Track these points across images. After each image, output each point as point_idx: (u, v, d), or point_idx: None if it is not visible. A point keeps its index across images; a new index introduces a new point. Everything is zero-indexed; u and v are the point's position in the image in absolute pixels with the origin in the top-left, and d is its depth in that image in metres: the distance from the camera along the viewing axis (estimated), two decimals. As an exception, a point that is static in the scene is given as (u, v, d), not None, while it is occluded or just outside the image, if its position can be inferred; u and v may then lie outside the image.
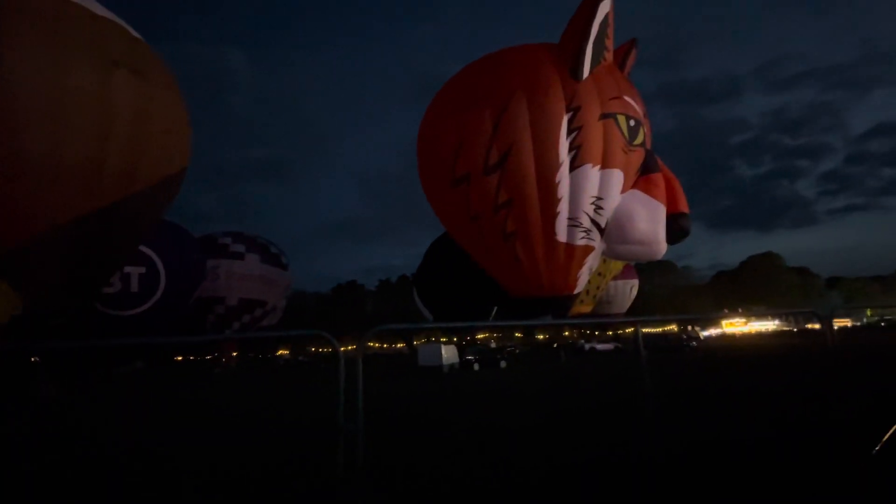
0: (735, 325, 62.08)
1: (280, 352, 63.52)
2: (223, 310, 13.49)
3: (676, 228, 6.70)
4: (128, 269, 9.04)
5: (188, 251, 10.81)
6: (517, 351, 41.05)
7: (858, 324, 51.61)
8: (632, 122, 6.48)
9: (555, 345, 41.22)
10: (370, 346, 73.94)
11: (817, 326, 4.65)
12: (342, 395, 2.96)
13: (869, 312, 53.97)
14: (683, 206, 6.79)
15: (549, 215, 6.32)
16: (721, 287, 59.34)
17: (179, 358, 50.17)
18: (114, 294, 9.11)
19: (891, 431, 1.97)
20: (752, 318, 61.16)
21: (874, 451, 1.93)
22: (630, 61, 7.56)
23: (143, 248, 9.31)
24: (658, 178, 6.79)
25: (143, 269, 9.59)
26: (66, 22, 4.18)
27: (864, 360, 15.66)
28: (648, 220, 6.56)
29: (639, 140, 6.66)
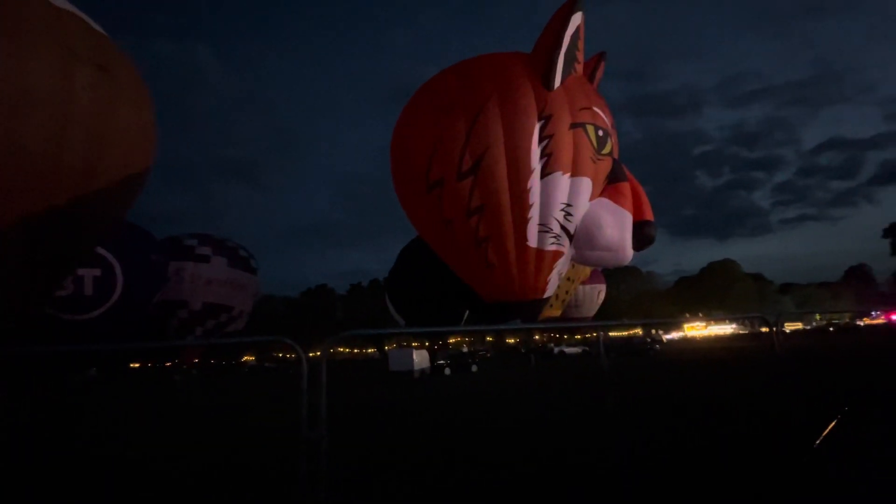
0: (696, 329, 64.84)
1: (245, 358, 61.43)
2: (186, 314, 12.93)
3: (642, 236, 6.96)
4: (81, 271, 8.55)
5: (148, 253, 10.32)
6: (488, 355, 41.29)
7: (808, 327, 54.89)
8: (600, 132, 6.70)
9: (523, 350, 41.73)
10: (340, 352, 72.73)
11: (768, 330, 4.93)
12: (305, 402, 2.89)
13: (818, 316, 57.50)
14: (649, 215, 7.07)
15: (521, 221, 6.44)
16: (683, 292, 61.92)
17: (136, 365, 47.72)
18: (66, 297, 8.60)
19: (819, 440, 2.12)
20: (711, 323, 64.01)
21: (815, 445, 2.07)
22: (599, 73, 7.83)
23: (98, 250, 8.84)
24: (625, 186, 7.04)
25: (97, 272, 9.10)
26: (26, 14, 3.99)
27: (807, 361, 16.68)
28: (615, 227, 6.78)
29: (607, 150, 6.89)
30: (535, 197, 6.28)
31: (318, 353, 3.18)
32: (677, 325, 65.64)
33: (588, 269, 17.13)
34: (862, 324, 45.52)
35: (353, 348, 70.30)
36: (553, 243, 6.74)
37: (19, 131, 3.90)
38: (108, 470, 6.81)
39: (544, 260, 6.94)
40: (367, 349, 69.20)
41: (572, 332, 38.87)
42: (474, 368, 27.31)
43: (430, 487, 4.77)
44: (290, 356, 63.67)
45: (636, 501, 3.85)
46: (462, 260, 7.58)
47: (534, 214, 6.41)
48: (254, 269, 15.20)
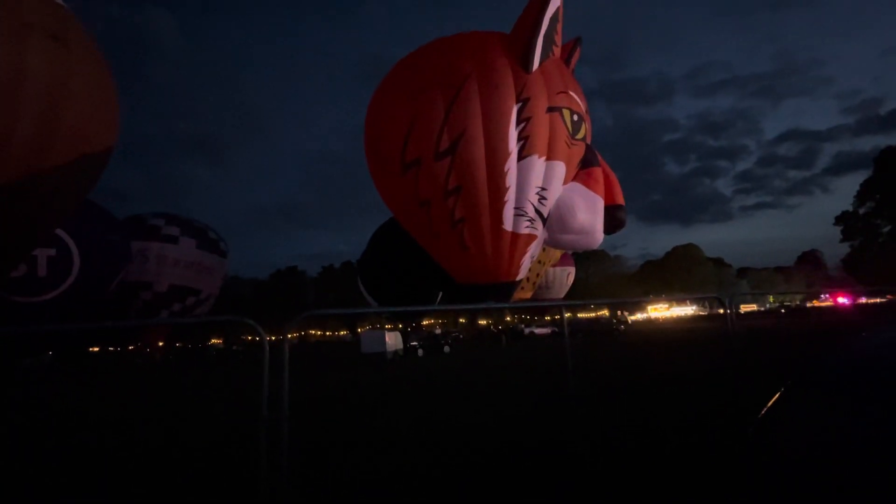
0: (659, 311, 67.69)
1: (213, 341, 59.96)
2: (150, 296, 12.42)
3: (614, 220, 7.13)
4: (34, 251, 8.05)
5: (107, 232, 9.79)
6: (461, 336, 41.87)
7: (762, 309, 58.24)
8: (575, 117, 6.76)
9: (495, 330, 42.51)
10: (312, 335, 72.00)
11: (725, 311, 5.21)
12: (266, 383, 2.88)
13: (771, 299, 61.01)
14: (620, 199, 7.23)
15: (497, 203, 6.46)
16: (648, 275, 64.30)
17: (96, 349, 45.79)
18: (18, 278, 8.09)
19: (763, 411, 2.28)
20: (673, 304, 66.88)
21: (749, 432, 2.23)
22: (574, 59, 7.86)
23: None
24: (597, 171, 7.17)
25: (52, 252, 8.58)
26: None
27: (758, 339, 17.81)
28: (587, 212, 6.92)
29: (581, 134, 6.97)
30: (511, 180, 6.31)
31: (293, 335, 3.15)
32: (642, 307, 68.28)
33: (558, 253, 17.49)
34: (811, 306, 48.64)
35: (325, 331, 69.76)
36: (527, 227, 6.82)
37: None
38: (64, 452, 6.60)
39: (518, 243, 7.03)
40: (339, 331, 68.80)
41: (543, 313, 39.82)
42: (447, 349, 27.66)
43: (396, 469, 4.86)
44: (258, 339, 62.44)
45: (597, 475, 4.06)
46: (437, 241, 7.58)
47: (510, 197, 6.45)
48: (224, 251, 14.69)
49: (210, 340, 59.54)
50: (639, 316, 67.76)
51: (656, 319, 64.60)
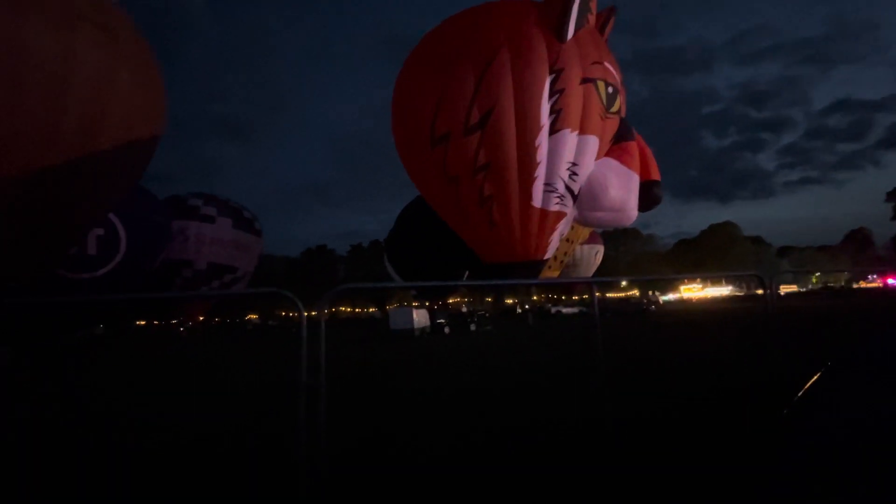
0: (692, 291, 65.70)
1: (249, 316, 62.66)
2: (191, 273, 13.03)
3: (649, 196, 6.90)
4: (84, 230, 8.54)
5: (151, 212, 10.26)
6: (487, 315, 42.08)
7: (804, 290, 55.64)
8: (610, 89, 6.49)
9: (521, 309, 42.44)
10: (343, 311, 74.02)
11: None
12: (304, 352, 3.01)
13: (814, 279, 58.12)
14: (656, 175, 6.97)
15: (527, 180, 6.34)
16: (682, 254, 62.23)
17: (143, 322, 48.70)
18: (70, 256, 8.62)
19: (800, 393, 2.19)
20: (707, 284, 64.71)
21: (784, 412, 2.16)
22: (608, 28, 7.48)
23: (100, 209, 8.73)
24: (632, 146, 6.90)
25: (101, 231, 9.07)
26: None
27: (799, 321, 17.06)
28: (620, 188, 6.71)
29: (615, 108, 6.70)
30: (542, 155, 6.15)
31: (312, 312, 3.26)
32: (673, 287, 66.43)
33: (587, 231, 17.11)
34: (858, 287, 46.07)
35: (355, 307, 71.50)
36: (557, 204, 6.69)
37: (19, 90, 3.82)
38: (113, 420, 7.14)
39: (547, 220, 6.91)
40: (368, 308, 70.38)
41: (570, 292, 39.43)
42: (473, 327, 27.92)
43: (428, 435, 5.03)
44: (293, 314, 64.93)
45: (625, 455, 4.06)
46: (465, 219, 7.55)
47: (540, 173, 6.30)
48: (258, 230, 15.17)
49: (247, 316, 62.25)
50: (670, 296, 66.05)
51: (689, 300, 62.82)
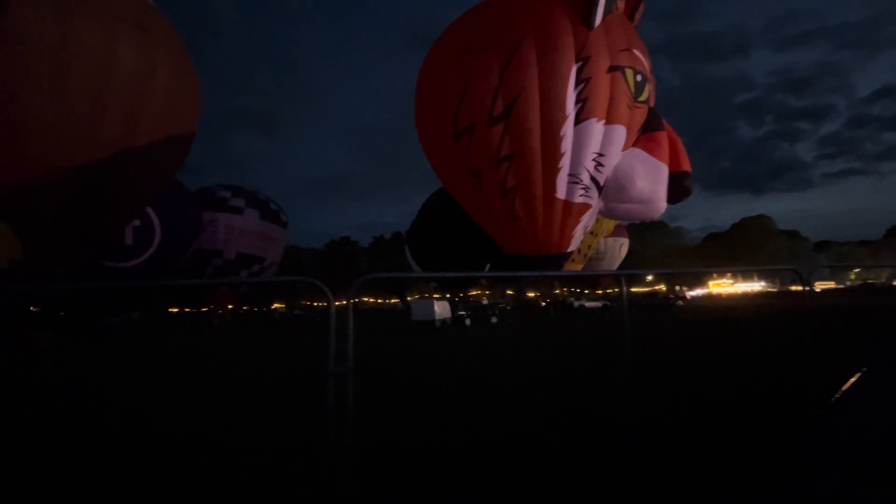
0: (721, 286, 63.68)
1: (275, 305, 64.33)
2: (221, 263, 13.48)
3: (679, 188, 6.71)
4: (121, 221, 8.94)
5: (183, 204, 10.64)
6: (508, 308, 41.94)
7: (842, 286, 53.11)
8: (639, 77, 6.30)
9: (544, 303, 42.10)
10: (365, 302, 75.13)
11: (800, 288, 4.77)
12: (333, 340, 3.08)
13: (853, 275, 55.43)
14: (686, 165, 6.76)
15: (551, 171, 6.25)
16: (711, 248, 60.31)
17: (175, 310, 50.63)
18: (109, 246, 9.06)
19: (838, 393, 2.12)
20: (738, 279, 62.60)
21: (832, 400, 2.09)
22: (638, 14, 7.25)
23: (135, 200, 9.13)
24: (661, 136, 6.70)
25: (137, 222, 9.47)
26: None
27: (836, 318, 16.33)
28: (648, 179, 6.54)
29: (644, 96, 6.51)
30: (567, 145, 6.05)
31: (344, 303, 3.33)
32: (701, 282, 64.56)
33: (612, 223, 16.76)
34: (900, 284, 43.70)
35: (377, 298, 72.44)
36: (581, 195, 6.58)
37: (64, 87, 4.03)
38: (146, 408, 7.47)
39: (571, 212, 6.81)
40: (390, 299, 71.17)
41: (593, 286, 38.80)
42: (494, 320, 27.88)
43: (451, 423, 5.07)
44: (317, 304, 66.38)
45: (650, 453, 4.00)
46: (487, 211, 7.51)
47: (564, 164, 6.20)
48: (284, 222, 15.53)
49: (273, 304, 63.95)
50: (698, 291, 64.21)
51: (718, 295, 60.93)
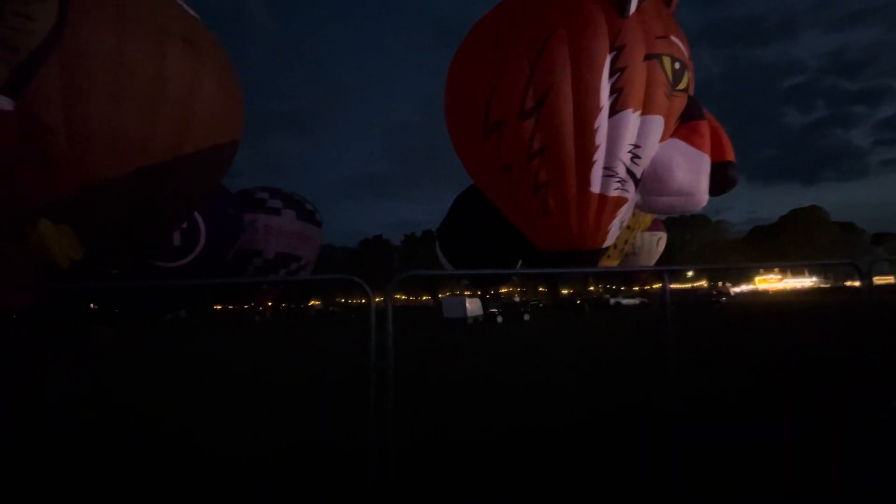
0: (769, 282, 60.26)
1: (311, 302, 66.31)
2: (261, 262, 14.06)
3: (724, 179, 6.40)
4: (169, 223, 9.44)
5: (226, 206, 11.14)
6: (541, 305, 41.36)
7: (904, 281, 49.13)
8: (677, 65, 6.04)
9: (578, 301, 41.19)
10: (397, 299, 76.21)
11: (857, 283, 4.45)
12: (374, 336, 3.16)
13: (917, 269, 51.17)
14: (730, 155, 6.44)
15: (585, 164, 6.10)
16: (757, 242, 57.22)
17: (219, 307, 53.08)
18: (159, 247, 9.58)
19: None
20: (787, 274, 59.08)
21: (882, 417, 1.94)
22: (675, 0, 6.96)
23: (182, 204, 9.58)
24: (702, 125, 6.40)
25: (184, 225, 9.98)
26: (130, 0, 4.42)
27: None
28: (688, 171, 6.26)
29: (682, 85, 6.24)
30: (601, 138, 5.89)
31: (381, 299, 3.42)
32: (747, 278, 61.37)
33: (649, 217, 16.20)
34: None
35: (408, 295, 73.29)
36: (617, 189, 6.38)
37: (119, 99, 4.35)
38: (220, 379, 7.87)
39: (606, 207, 6.63)
40: (421, 297, 71.83)
41: (630, 282, 37.71)
42: (527, 317, 27.58)
43: (487, 414, 5.09)
44: (352, 301, 67.85)
45: (694, 453, 3.87)
46: (518, 207, 7.43)
47: (599, 157, 6.04)
48: (319, 222, 16.00)
49: (309, 302, 65.96)
50: (743, 287, 61.04)
51: (765, 292, 57.71)
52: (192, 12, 5.32)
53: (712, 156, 6.43)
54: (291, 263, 14.85)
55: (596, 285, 55.51)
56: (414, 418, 5.01)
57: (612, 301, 36.68)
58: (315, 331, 25.83)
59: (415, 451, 3.97)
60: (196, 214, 10.25)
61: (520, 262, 10.43)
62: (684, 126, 6.57)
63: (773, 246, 54.13)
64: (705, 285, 52.02)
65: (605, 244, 7.82)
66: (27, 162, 4.15)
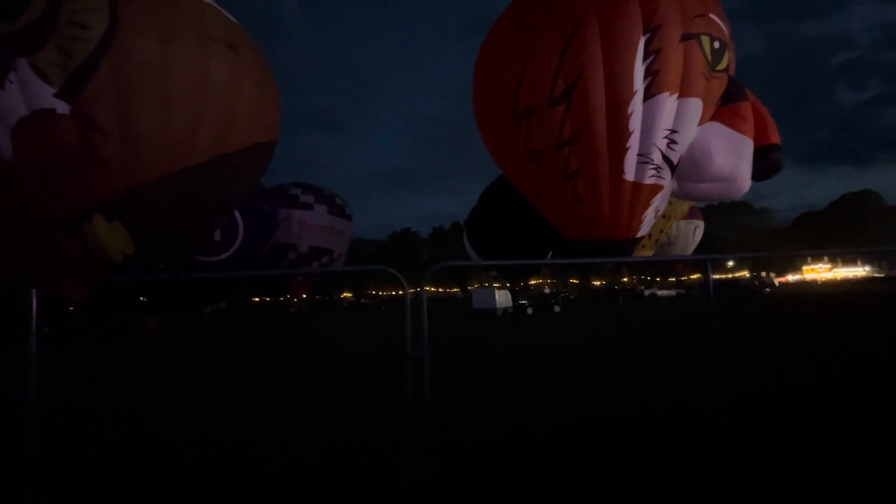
0: (817, 272, 56.90)
1: (344, 294, 67.90)
2: (295, 256, 14.53)
3: (768, 163, 6.07)
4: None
5: (261, 202, 11.56)
6: (572, 297, 40.75)
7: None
8: (716, 44, 5.76)
9: (616, 291, 40.14)
10: (426, 290, 76.92)
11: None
12: (409, 326, 3.22)
13: None
14: (775, 138, 6.09)
15: (618, 151, 5.93)
16: (804, 230, 54.11)
17: (257, 299, 55.19)
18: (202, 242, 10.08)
19: None
20: (838, 264, 55.63)
21: None
22: (715, -28, 6.61)
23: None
24: (743, 107, 6.08)
25: (224, 221, 10.44)
26: (176, 7, 4.76)
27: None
28: (728, 155, 5.98)
29: (723, 65, 5.95)
30: (635, 123, 5.70)
31: (413, 290, 3.47)
32: (793, 267, 58.18)
33: (686, 205, 15.60)
34: None
35: (437, 287, 73.80)
36: (652, 176, 6.17)
37: (167, 102, 4.61)
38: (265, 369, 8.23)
39: (641, 195, 6.43)
40: (448, 288, 72.16)
41: (665, 273, 36.55)
42: (557, 309, 27.23)
43: (523, 403, 5.10)
44: (384, 293, 68.99)
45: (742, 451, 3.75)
46: (548, 196, 7.33)
47: (633, 143, 5.85)
48: (349, 215, 16.36)
49: (342, 294, 67.57)
50: (789, 278, 57.93)
51: (813, 282, 54.57)
52: (232, 19, 5.56)
53: (755, 139, 6.11)
54: (323, 256, 15.26)
55: (630, 276, 54.06)
56: (448, 408, 5.08)
57: (647, 292, 35.68)
58: (348, 320, 26.45)
59: (450, 440, 4.03)
60: (235, 211, 10.69)
61: (550, 253, 10.30)
62: (725, 108, 6.27)
63: (823, 234, 50.90)
64: (746, 275, 49.68)
65: (640, 234, 7.60)
66: (83, 163, 4.45)
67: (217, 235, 10.69)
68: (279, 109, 6.11)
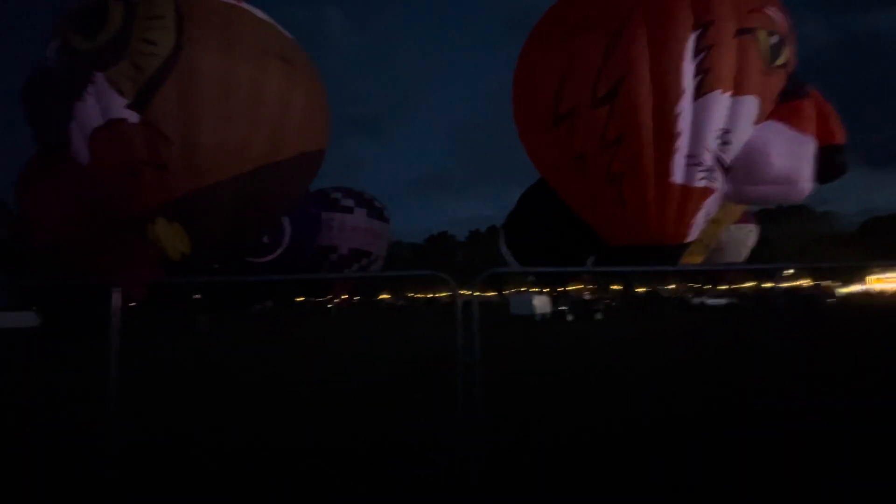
0: (885, 282, 52.03)
1: (381, 296, 69.18)
2: (336, 258, 15.02)
3: (831, 165, 5.67)
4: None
5: (307, 206, 12.05)
6: (614, 304, 39.49)
7: None
8: (774, 39, 5.45)
9: (667, 298, 38.42)
10: (463, 295, 76.93)
11: None
12: (460, 331, 3.24)
13: None
14: (839, 138, 5.67)
15: (665, 153, 5.72)
16: (872, 237, 49.76)
17: (301, 299, 57.27)
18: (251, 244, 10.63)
19: None
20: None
21: None
22: (773, -38, 6.25)
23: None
24: (804, 105, 5.71)
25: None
26: (236, 24, 5.07)
27: None
28: (787, 156, 5.62)
29: (781, 60, 5.62)
30: (684, 124, 5.48)
31: (462, 293, 3.50)
32: (858, 277, 53.56)
33: (739, 209, 14.74)
34: None
35: (473, 291, 73.72)
36: (703, 179, 5.91)
37: (227, 112, 4.94)
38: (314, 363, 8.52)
39: (690, 198, 6.16)
40: (486, 293, 71.80)
41: (717, 281, 34.70)
42: (599, 316, 26.46)
43: (572, 409, 4.99)
44: (419, 295, 69.70)
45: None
46: (590, 199, 7.15)
47: (681, 145, 5.63)
48: (387, 218, 16.76)
49: (380, 295, 68.85)
50: (853, 288, 53.35)
51: (881, 293, 49.97)
52: (287, 34, 5.89)
53: (818, 138, 5.72)
54: (363, 258, 15.66)
55: (677, 283, 51.70)
56: (498, 412, 5.07)
57: (696, 301, 33.93)
58: (387, 322, 26.90)
59: (501, 445, 4.01)
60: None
61: (590, 258, 10.03)
62: (784, 106, 5.90)
63: (892, 241, 46.60)
64: (804, 284, 46.27)
65: (689, 239, 7.27)
66: (150, 168, 4.83)
67: (266, 238, 11.23)
68: (328, 120, 6.39)
